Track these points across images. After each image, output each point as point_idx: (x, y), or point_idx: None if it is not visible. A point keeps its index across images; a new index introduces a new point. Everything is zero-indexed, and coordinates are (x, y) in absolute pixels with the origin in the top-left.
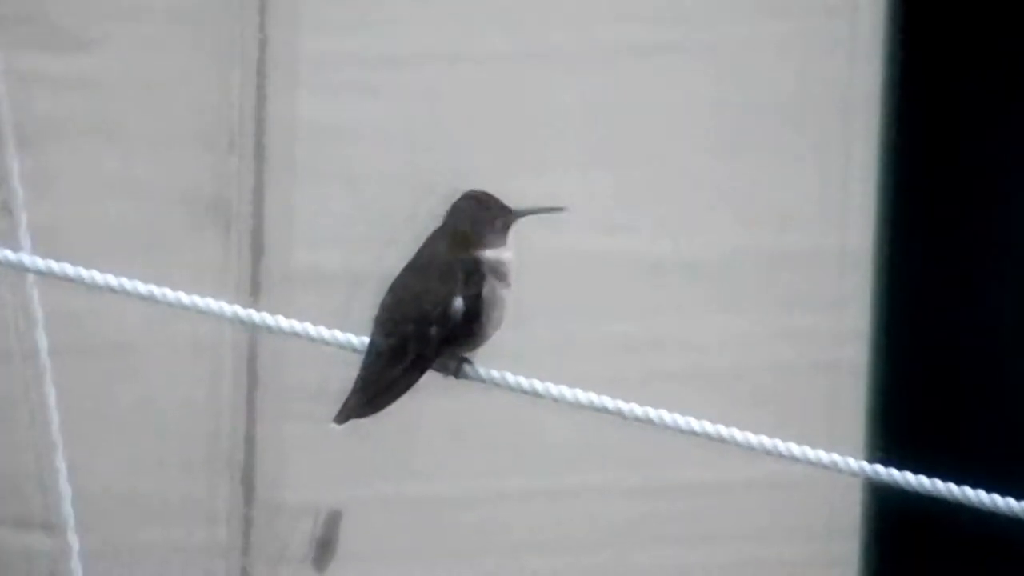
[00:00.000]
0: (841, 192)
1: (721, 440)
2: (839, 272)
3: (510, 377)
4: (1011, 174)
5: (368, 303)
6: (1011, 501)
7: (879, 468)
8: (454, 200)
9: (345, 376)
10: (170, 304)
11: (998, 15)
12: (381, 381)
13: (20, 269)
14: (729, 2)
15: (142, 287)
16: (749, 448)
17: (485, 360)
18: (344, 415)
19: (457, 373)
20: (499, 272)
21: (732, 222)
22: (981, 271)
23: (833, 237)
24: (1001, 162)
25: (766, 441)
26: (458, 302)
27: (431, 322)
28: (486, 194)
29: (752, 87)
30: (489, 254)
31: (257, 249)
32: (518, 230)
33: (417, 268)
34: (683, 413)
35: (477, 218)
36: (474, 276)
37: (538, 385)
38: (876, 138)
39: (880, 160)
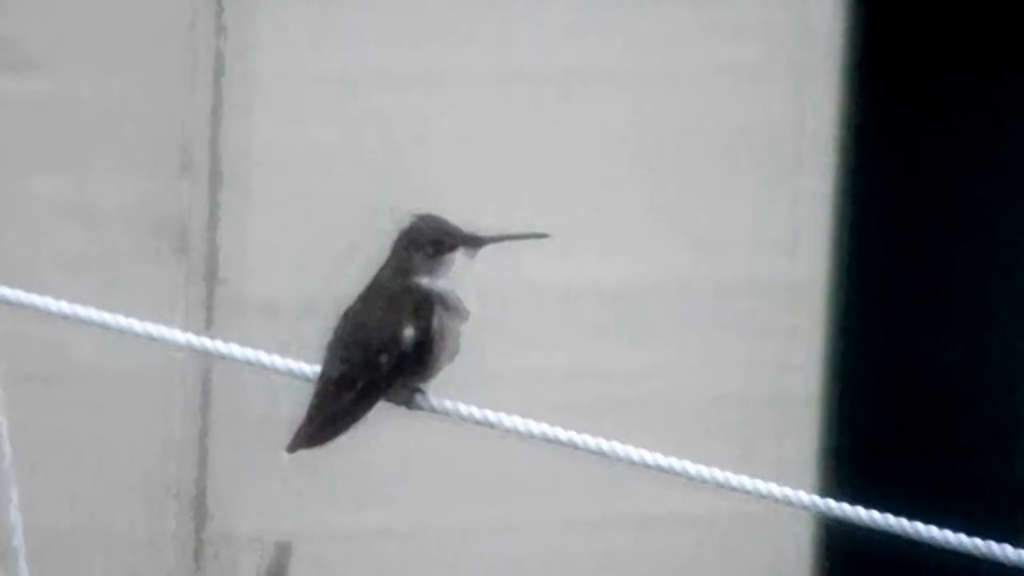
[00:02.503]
0: (793, 221)
1: (672, 472)
2: (791, 301)
3: (463, 407)
4: (968, 205)
5: (322, 329)
6: (963, 537)
7: (830, 502)
8: (404, 224)
9: (299, 404)
10: (123, 331)
11: (955, 47)
12: (330, 410)
13: None
14: (682, 29)
15: (95, 314)
16: (700, 480)
17: (439, 389)
18: (295, 444)
19: (409, 403)
20: (447, 303)
21: (683, 250)
22: (935, 303)
23: (785, 266)
24: (958, 194)
25: (717, 473)
26: (408, 331)
27: (380, 350)
28: (428, 219)
29: (703, 113)
30: (439, 284)
31: (211, 275)
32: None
33: (368, 296)
34: (635, 444)
35: (412, 245)
36: (423, 306)
37: (491, 415)
38: (831, 166)
39: (834, 189)
